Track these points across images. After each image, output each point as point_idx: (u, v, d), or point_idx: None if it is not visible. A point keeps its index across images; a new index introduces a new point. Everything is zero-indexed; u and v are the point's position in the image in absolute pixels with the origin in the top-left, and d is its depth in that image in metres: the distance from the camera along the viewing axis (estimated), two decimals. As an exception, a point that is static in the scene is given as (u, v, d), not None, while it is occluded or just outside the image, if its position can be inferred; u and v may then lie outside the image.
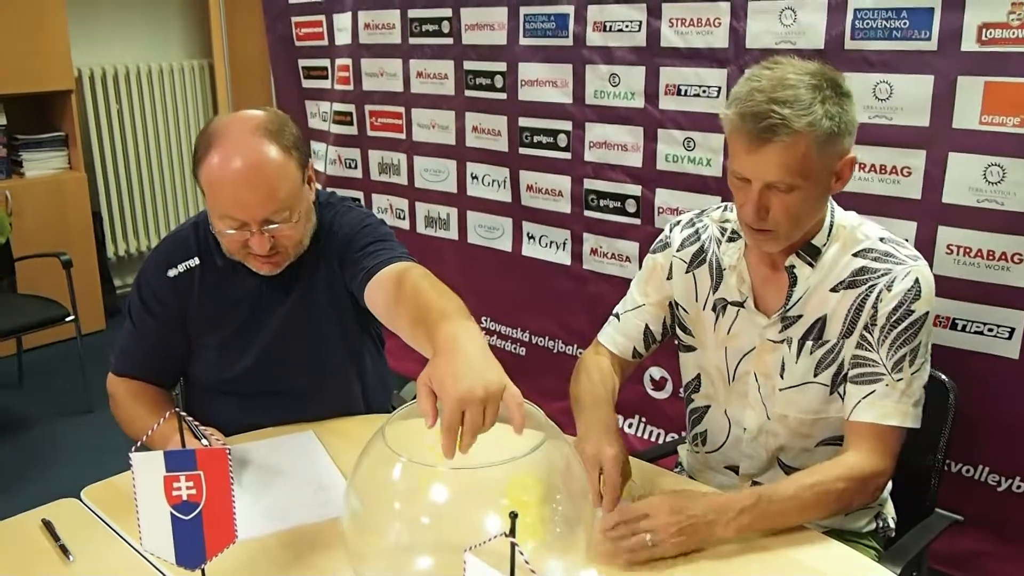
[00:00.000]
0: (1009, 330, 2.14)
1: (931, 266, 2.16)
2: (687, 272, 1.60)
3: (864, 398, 1.42)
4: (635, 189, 2.79)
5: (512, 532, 0.80)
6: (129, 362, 1.72)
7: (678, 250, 1.62)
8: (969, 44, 2.06)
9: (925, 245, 2.21)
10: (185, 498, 1.05)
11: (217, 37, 4.29)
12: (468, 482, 1.11)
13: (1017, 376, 2.13)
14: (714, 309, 1.57)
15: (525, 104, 3.02)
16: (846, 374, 1.47)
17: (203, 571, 1.11)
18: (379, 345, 1.86)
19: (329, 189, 2.76)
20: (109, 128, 4.56)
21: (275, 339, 1.69)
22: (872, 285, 1.43)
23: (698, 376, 1.64)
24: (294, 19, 3.79)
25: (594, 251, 2.96)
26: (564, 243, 3.03)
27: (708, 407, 1.63)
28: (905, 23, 2.14)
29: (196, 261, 1.67)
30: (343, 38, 3.57)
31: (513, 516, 0.81)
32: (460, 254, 3.36)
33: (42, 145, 4.12)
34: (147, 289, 1.69)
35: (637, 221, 2.81)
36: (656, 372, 2.86)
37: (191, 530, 1.07)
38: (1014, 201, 2.06)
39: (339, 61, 3.62)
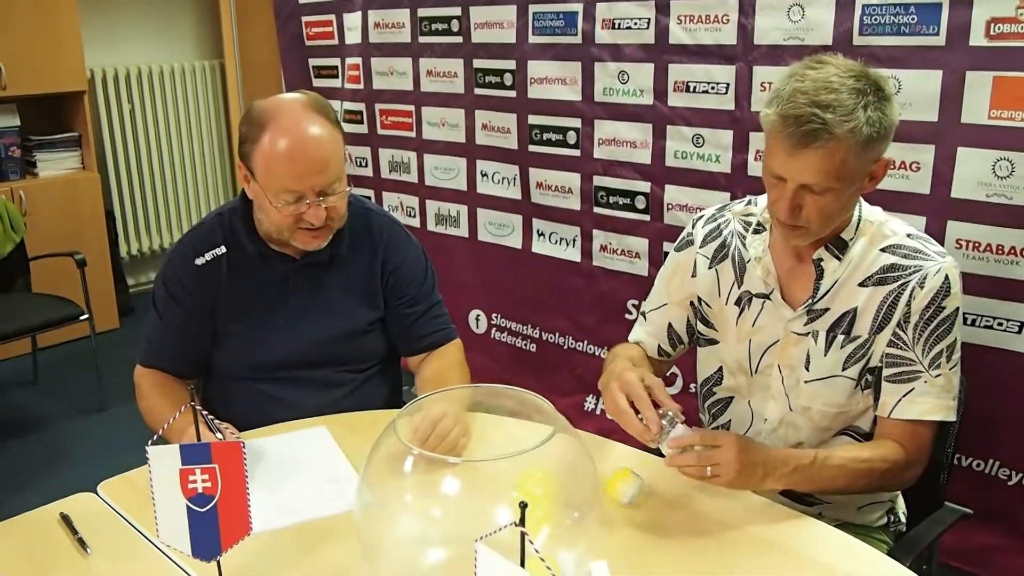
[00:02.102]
0: (1019, 324, 2.14)
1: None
2: (710, 268, 1.60)
3: (904, 396, 1.44)
4: (644, 186, 2.80)
5: (522, 522, 0.81)
6: (156, 353, 1.75)
7: (701, 246, 1.62)
8: (977, 39, 2.06)
9: (934, 239, 2.21)
10: (200, 491, 1.07)
11: (228, 37, 4.31)
12: (479, 475, 1.12)
13: (1027, 370, 2.13)
14: (738, 303, 1.57)
15: (534, 102, 3.03)
16: (873, 369, 1.48)
17: (218, 563, 1.13)
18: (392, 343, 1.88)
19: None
20: (122, 128, 4.58)
21: (301, 328, 1.73)
22: (905, 282, 1.43)
23: (720, 369, 1.64)
24: (304, 19, 3.81)
25: (604, 248, 2.97)
26: (574, 240, 3.05)
27: (731, 399, 1.64)
28: (913, 18, 2.15)
29: (223, 249, 1.71)
30: (353, 37, 3.59)
31: (523, 506, 0.81)
32: (470, 251, 3.38)
33: (55, 146, 4.15)
34: (173, 279, 1.72)
35: (647, 218, 2.81)
36: (666, 368, 2.87)
37: (206, 522, 1.08)
38: (1023, 195, 2.06)
39: (349, 60, 3.64)
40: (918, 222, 2.22)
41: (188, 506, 1.07)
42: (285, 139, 1.56)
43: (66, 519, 1.35)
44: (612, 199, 2.90)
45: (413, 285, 1.80)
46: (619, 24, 2.73)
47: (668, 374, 2.84)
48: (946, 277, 1.42)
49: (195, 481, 1.07)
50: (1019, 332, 2.14)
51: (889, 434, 1.46)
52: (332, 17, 3.68)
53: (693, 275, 1.63)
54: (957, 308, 1.44)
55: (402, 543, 1.17)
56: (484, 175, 3.28)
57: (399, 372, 1.91)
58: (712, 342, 1.64)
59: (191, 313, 1.71)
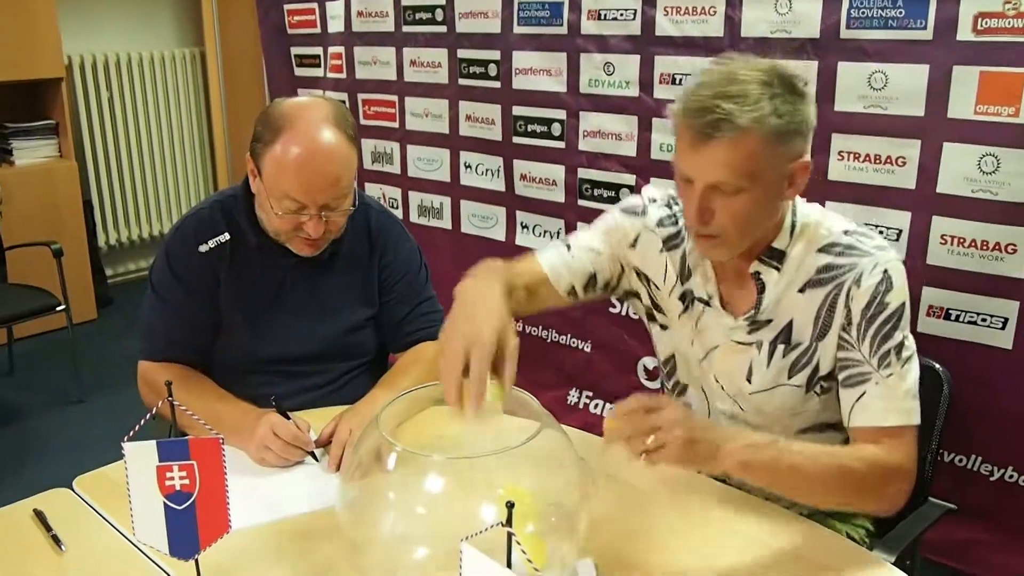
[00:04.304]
0: (1003, 320, 2.14)
1: (925, 257, 2.21)
2: (661, 252, 1.53)
3: (857, 401, 1.35)
4: (630, 178, 2.79)
5: (508, 522, 0.79)
6: (163, 342, 1.69)
7: (657, 226, 1.53)
8: (965, 34, 2.06)
9: (919, 235, 2.22)
10: (178, 488, 1.05)
11: (209, 25, 4.27)
12: (463, 471, 1.10)
13: (1010, 366, 2.14)
14: (682, 300, 1.51)
15: (519, 93, 3.01)
16: (828, 376, 1.42)
17: (197, 561, 1.11)
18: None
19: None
20: (100, 116, 4.52)
21: (298, 325, 1.71)
22: (840, 283, 1.35)
23: (673, 356, 1.58)
24: (287, 7, 3.77)
25: (588, 241, 2.95)
26: (558, 233, 3.03)
27: (687, 386, 1.59)
28: (901, 12, 2.14)
29: (226, 236, 1.69)
30: (336, 26, 3.55)
31: (510, 506, 0.80)
32: (453, 243, 3.36)
33: (32, 133, 4.09)
34: (178, 264, 1.69)
35: (631, 211, 2.80)
36: (650, 362, 2.86)
37: (184, 520, 1.06)
38: (1008, 191, 2.06)
39: (332, 49, 3.60)
40: (903, 217, 2.22)
41: (165, 504, 1.05)
42: (298, 148, 1.53)
43: (40, 515, 1.32)
44: (597, 192, 2.88)
45: (404, 282, 1.79)
46: (605, 15, 2.72)
47: (652, 368, 2.83)
48: (884, 272, 1.33)
49: (173, 478, 1.04)
50: (1003, 328, 2.14)
51: (857, 441, 1.36)
52: (315, 5, 3.65)
53: (632, 245, 1.55)
54: (903, 303, 1.34)
55: (386, 540, 1.15)
56: (468, 166, 3.26)
57: (386, 368, 1.89)
58: (664, 327, 1.57)
59: (195, 297, 1.68)
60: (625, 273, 1.57)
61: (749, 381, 1.46)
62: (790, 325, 1.41)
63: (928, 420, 1.61)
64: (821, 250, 1.38)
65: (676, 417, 1.16)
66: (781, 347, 1.42)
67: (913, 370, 1.35)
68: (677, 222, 1.52)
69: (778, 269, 1.39)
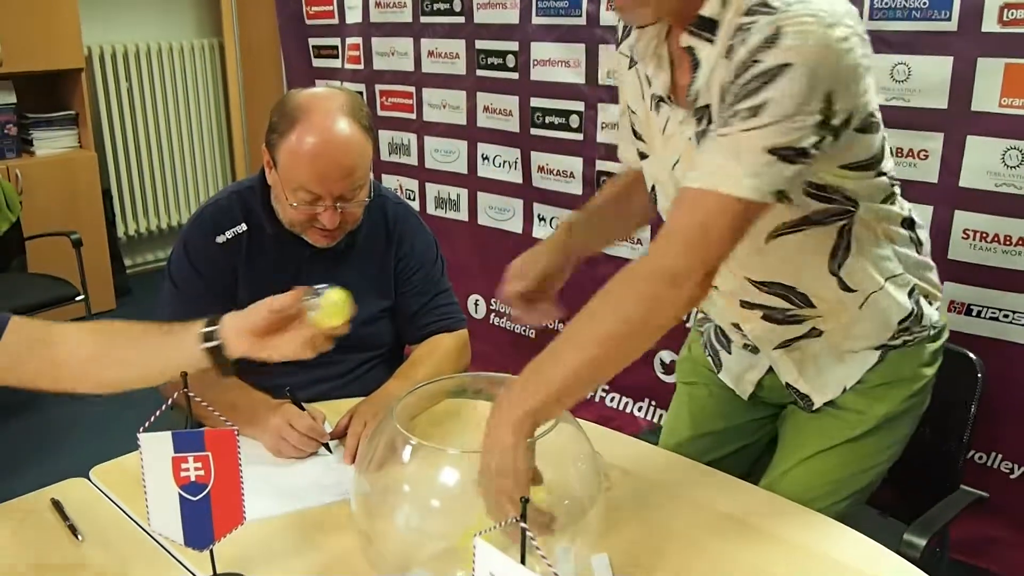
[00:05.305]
0: (1026, 316, 2.12)
1: (947, 251, 2.18)
2: (630, 68, 1.39)
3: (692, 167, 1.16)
4: (647, 171, 2.77)
5: (523, 517, 0.79)
6: None
7: (621, 42, 1.41)
8: (990, 25, 2.03)
9: (941, 230, 2.19)
10: (193, 479, 1.05)
11: (227, 16, 4.27)
12: (478, 465, 1.10)
13: (1033, 362, 2.12)
14: (654, 107, 1.33)
15: (537, 84, 3.00)
16: None
17: (211, 552, 1.11)
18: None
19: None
20: (119, 107, 4.54)
21: None
22: (735, 42, 1.12)
23: (653, 188, 1.43)
24: (304, -3, 3.77)
25: (605, 233, 2.94)
26: (575, 225, 3.01)
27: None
28: (924, 3, 2.11)
29: (244, 227, 1.69)
30: (354, 16, 3.54)
31: (524, 500, 0.80)
32: (470, 236, 3.35)
33: (52, 124, 4.11)
34: (195, 255, 1.69)
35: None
36: (667, 356, 2.85)
37: (199, 511, 1.06)
38: (1033, 185, 2.03)
39: (350, 40, 3.60)
40: (925, 211, 2.19)
41: (181, 494, 1.05)
42: (313, 139, 1.53)
43: (57, 505, 1.32)
44: (614, 184, 2.87)
45: (420, 274, 1.79)
46: (624, 6, 2.69)
47: (669, 362, 2.82)
48: (777, 29, 1.07)
49: (188, 469, 1.05)
50: (1025, 324, 2.12)
51: (669, 222, 1.15)
52: (333, -4, 3.64)
53: (621, 81, 1.44)
54: (787, 65, 1.06)
55: (400, 533, 1.15)
56: (485, 158, 3.25)
57: (402, 360, 1.89)
58: (643, 156, 1.42)
59: (213, 287, 1.68)
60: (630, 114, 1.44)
61: None
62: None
63: (961, 407, 1.59)
64: (745, 12, 1.13)
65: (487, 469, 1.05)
66: (707, 126, 1.21)
67: (761, 151, 1.09)
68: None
69: (711, 41, 1.17)
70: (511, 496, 1.03)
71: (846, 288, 1.34)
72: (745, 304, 1.41)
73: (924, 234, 1.43)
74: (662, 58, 1.28)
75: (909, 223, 1.39)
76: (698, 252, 1.11)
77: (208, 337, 1.22)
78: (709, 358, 1.63)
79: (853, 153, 1.22)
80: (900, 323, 1.39)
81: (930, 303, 1.43)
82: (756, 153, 1.09)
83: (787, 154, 1.09)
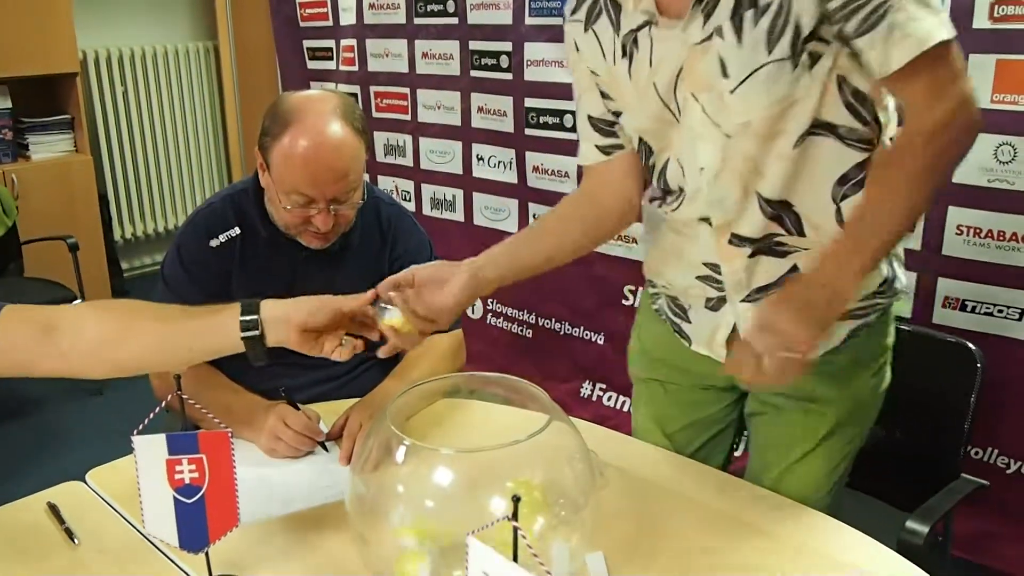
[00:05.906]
0: (1020, 311, 2.12)
1: (940, 247, 2.18)
2: (586, 31, 1.37)
3: (888, 40, 1.13)
4: (642, 170, 2.77)
5: (515, 516, 0.79)
6: None
7: (573, 13, 1.39)
8: (981, 21, 2.03)
9: (935, 226, 2.20)
10: (187, 481, 1.05)
11: (222, 19, 4.27)
12: (472, 465, 1.10)
13: (1027, 357, 2.12)
14: (624, 53, 1.31)
15: (531, 84, 3.00)
16: (807, 35, 1.17)
17: (207, 555, 1.11)
18: None
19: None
20: (115, 111, 4.54)
21: None
22: None
23: (640, 139, 1.41)
24: (299, 0, 3.77)
25: (601, 233, 2.94)
26: (571, 225, 3.02)
27: (667, 160, 1.39)
28: None
29: (237, 231, 1.69)
30: (348, 18, 3.55)
31: (516, 499, 0.80)
32: (466, 236, 3.35)
33: (48, 128, 4.11)
34: (189, 258, 1.69)
35: (644, 202, 2.79)
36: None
37: (194, 514, 1.06)
38: (1025, 181, 2.04)
39: (344, 42, 3.60)
40: (919, 207, 2.20)
41: (175, 497, 1.06)
42: (305, 142, 1.53)
43: (54, 509, 1.33)
44: (609, 183, 2.87)
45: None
46: (617, 6, 2.70)
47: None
48: None
49: (182, 472, 1.05)
50: (1020, 319, 2.12)
51: (906, 96, 1.18)
52: (327, -2, 3.65)
53: (577, 49, 1.41)
54: None
55: (395, 533, 1.15)
56: (480, 159, 3.25)
57: (397, 360, 1.89)
58: (618, 113, 1.41)
59: (207, 292, 1.68)
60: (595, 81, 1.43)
61: (727, 76, 1.22)
62: None
63: (961, 395, 1.60)
64: None
65: (777, 322, 1.14)
66: (748, 13, 1.18)
67: None
68: None
69: None
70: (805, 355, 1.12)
71: (840, 222, 1.29)
72: (735, 240, 1.34)
73: None
74: None
75: None
76: (958, 83, 1.15)
77: (248, 326, 1.21)
78: (676, 335, 1.53)
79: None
80: (878, 287, 1.36)
81: (899, 266, 1.41)
82: (924, 5, 1.13)
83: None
